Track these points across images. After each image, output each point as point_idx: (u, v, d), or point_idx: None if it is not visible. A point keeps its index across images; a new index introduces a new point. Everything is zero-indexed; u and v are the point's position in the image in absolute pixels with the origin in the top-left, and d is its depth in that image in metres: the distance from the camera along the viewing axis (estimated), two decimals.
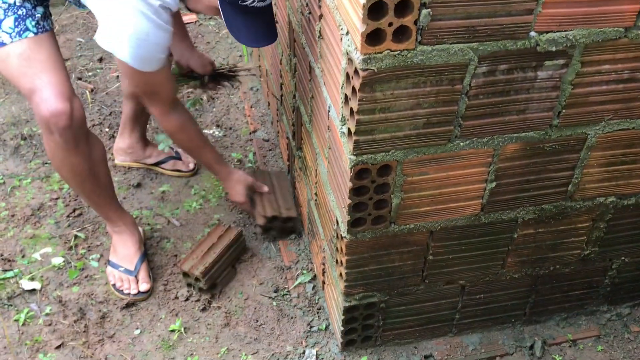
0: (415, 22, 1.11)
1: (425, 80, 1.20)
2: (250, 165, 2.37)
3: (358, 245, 1.46)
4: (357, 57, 1.14)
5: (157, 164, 2.31)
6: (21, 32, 1.57)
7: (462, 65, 1.20)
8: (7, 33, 1.56)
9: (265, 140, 2.50)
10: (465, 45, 1.17)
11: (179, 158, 2.33)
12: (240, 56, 2.96)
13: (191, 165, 2.33)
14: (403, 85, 1.19)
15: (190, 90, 2.60)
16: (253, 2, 1.54)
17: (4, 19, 1.55)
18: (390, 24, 1.10)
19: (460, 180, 1.40)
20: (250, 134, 2.53)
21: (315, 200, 1.78)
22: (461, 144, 1.33)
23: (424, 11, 1.10)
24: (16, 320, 1.79)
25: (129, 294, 1.87)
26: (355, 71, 1.18)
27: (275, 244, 2.06)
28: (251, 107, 2.67)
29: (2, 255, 1.97)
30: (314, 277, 1.94)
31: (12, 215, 2.10)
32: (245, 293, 1.91)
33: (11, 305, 1.83)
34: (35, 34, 1.59)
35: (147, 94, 1.73)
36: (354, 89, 1.21)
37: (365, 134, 1.25)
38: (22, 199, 2.17)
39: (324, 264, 1.77)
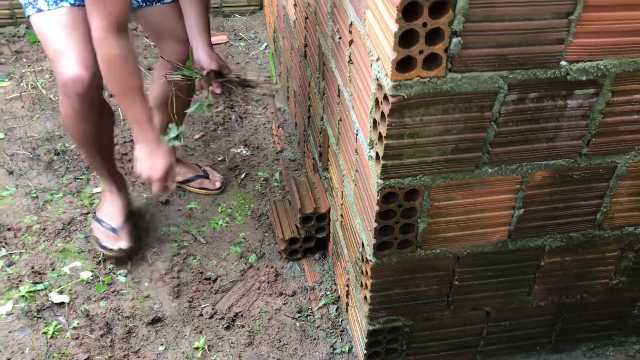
0: (446, 50, 1.13)
1: (455, 107, 1.21)
2: (276, 184, 2.40)
3: (383, 269, 1.47)
4: (387, 83, 1.16)
5: (184, 182, 2.35)
6: (57, 2, 1.69)
7: (492, 92, 1.21)
8: (46, 1, 1.69)
9: (292, 160, 2.52)
10: (495, 73, 1.18)
11: (206, 177, 2.37)
12: (269, 77, 3.00)
13: (218, 184, 2.36)
14: (432, 111, 1.21)
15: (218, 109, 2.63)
16: None
17: None
18: (420, 52, 1.12)
19: (487, 206, 1.40)
20: (277, 153, 2.56)
21: (341, 221, 1.79)
22: (489, 170, 1.33)
23: (455, 40, 1.12)
24: (45, 333, 1.82)
25: (111, 249, 2.00)
26: (385, 97, 1.19)
27: (300, 263, 2.07)
28: (279, 127, 2.70)
29: (33, 268, 2.01)
30: (338, 299, 1.94)
31: (44, 229, 2.14)
32: (268, 312, 1.92)
33: (40, 317, 1.87)
34: (72, 5, 1.70)
35: (93, 3, 1.53)
36: (383, 114, 1.22)
37: (393, 158, 1.26)
38: (54, 213, 2.22)
39: (348, 286, 1.78)
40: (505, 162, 1.33)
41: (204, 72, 1.91)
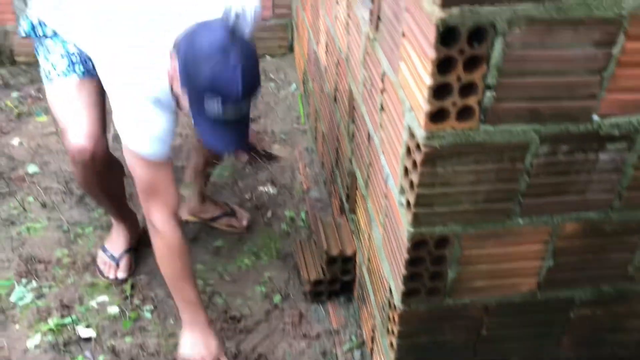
0: (479, 103, 1.15)
1: (487, 158, 1.23)
2: (302, 224, 2.41)
3: (411, 316, 1.46)
4: (420, 133, 1.18)
5: (212, 220, 2.38)
6: (67, 73, 1.81)
7: (524, 145, 1.22)
8: (57, 73, 1.82)
9: (318, 200, 2.54)
10: (528, 127, 1.20)
11: (233, 215, 2.39)
12: (298, 117, 3.05)
13: (244, 222, 2.39)
14: (464, 162, 1.22)
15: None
16: (213, 104, 1.49)
17: (59, 61, 1.82)
18: (454, 104, 1.14)
19: (517, 256, 1.40)
20: (303, 192, 2.58)
21: (368, 265, 1.79)
22: (520, 221, 1.33)
23: (488, 93, 1.14)
24: None
25: (108, 277, 2.11)
26: (417, 146, 1.21)
27: (325, 306, 2.07)
28: (305, 166, 2.73)
29: (61, 301, 2.04)
30: (363, 344, 1.93)
31: (74, 263, 2.18)
32: (292, 355, 1.91)
33: (67, 351, 1.88)
34: (80, 77, 1.82)
35: (149, 192, 1.67)
36: (414, 162, 1.24)
37: (424, 206, 1.27)
38: (84, 247, 2.25)
39: (373, 331, 1.77)
40: (536, 213, 1.33)
41: None
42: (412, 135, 1.23)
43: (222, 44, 1.45)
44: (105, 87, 1.67)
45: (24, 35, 1.86)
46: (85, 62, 1.83)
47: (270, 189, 2.60)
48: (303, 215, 2.45)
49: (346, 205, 2.08)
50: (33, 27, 1.83)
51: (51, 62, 1.82)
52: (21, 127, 2.88)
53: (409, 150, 1.27)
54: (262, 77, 3.34)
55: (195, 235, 2.34)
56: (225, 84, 1.46)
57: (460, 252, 1.36)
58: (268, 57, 3.55)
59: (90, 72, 1.83)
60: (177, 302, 1.77)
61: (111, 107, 1.64)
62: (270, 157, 1.95)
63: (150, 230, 1.73)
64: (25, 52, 3.33)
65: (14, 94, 3.10)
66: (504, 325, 1.53)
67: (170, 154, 1.69)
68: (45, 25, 1.82)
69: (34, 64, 3.34)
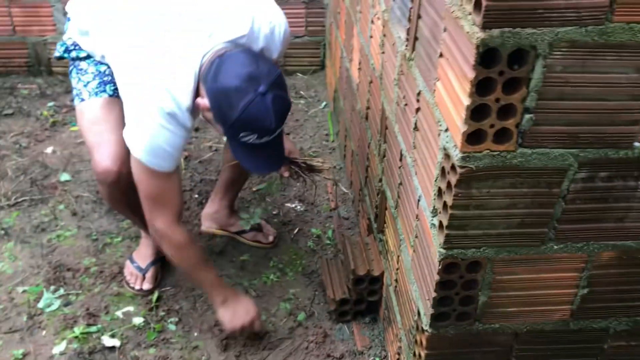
0: (517, 126, 1.13)
1: (523, 182, 1.21)
2: (328, 242, 2.40)
3: (440, 340, 1.44)
4: (456, 154, 1.17)
5: (239, 233, 2.38)
6: (98, 92, 1.86)
7: (562, 170, 1.20)
8: (88, 92, 1.87)
9: (345, 219, 2.53)
10: (566, 151, 1.18)
11: (259, 230, 2.39)
12: (327, 135, 3.06)
13: (271, 238, 2.38)
14: (500, 184, 1.20)
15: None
16: (249, 138, 1.57)
17: (91, 81, 1.87)
18: (492, 126, 1.13)
19: (551, 283, 1.37)
20: (330, 210, 2.57)
21: (395, 286, 1.77)
22: (555, 247, 1.31)
23: (527, 116, 1.12)
24: None
25: (133, 287, 2.12)
26: (453, 167, 1.20)
27: (349, 326, 2.05)
28: (334, 184, 2.72)
29: (88, 309, 2.05)
30: None
31: (101, 272, 2.20)
32: None
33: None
34: (110, 96, 1.86)
35: (154, 201, 1.74)
36: (449, 183, 1.22)
37: (457, 228, 1.25)
38: (112, 256, 2.27)
39: (399, 354, 1.74)
40: (571, 239, 1.30)
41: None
42: (447, 156, 1.22)
43: (250, 76, 1.50)
44: (122, 98, 1.71)
45: (58, 56, 1.93)
46: (115, 82, 1.86)
47: (298, 206, 2.59)
48: (330, 233, 2.44)
49: (374, 225, 2.07)
50: (67, 50, 1.90)
51: (83, 81, 1.88)
52: (55, 136, 2.93)
53: (443, 171, 1.25)
54: (292, 94, 3.36)
55: (221, 249, 2.34)
56: (259, 122, 1.53)
57: (492, 277, 1.34)
58: (299, 75, 3.57)
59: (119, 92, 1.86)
60: (203, 289, 1.94)
61: (127, 113, 1.68)
62: (312, 170, 1.99)
63: (153, 235, 1.84)
64: (62, 63, 3.40)
65: (50, 104, 3.17)
66: (534, 353, 1.49)
67: (178, 164, 1.74)
68: (79, 48, 1.88)
69: (69, 75, 3.41)
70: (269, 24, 1.74)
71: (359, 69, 2.29)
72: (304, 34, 3.45)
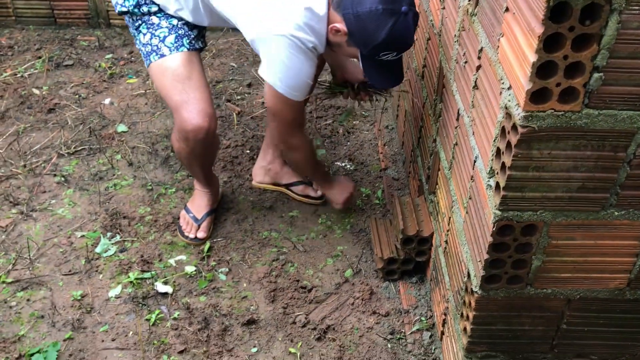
0: (585, 85, 1.08)
1: (587, 144, 1.16)
2: (377, 202, 2.40)
3: (489, 303, 1.42)
4: (518, 113, 1.13)
5: (289, 185, 2.40)
6: (178, 47, 1.88)
7: (629, 132, 1.15)
8: (167, 47, 1.88)
9: (395, 179, 2.51)
10: (635, 113, 1.12)
11: (309, 184, 2.40)
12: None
13: (320, 192, 2.39)
14: (562, 146, 1.16)
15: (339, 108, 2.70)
16: (387, 56, 1.71)
17: (167, 36, 1.88)
18: (558, 85, 1.08)
19: (608, 250, 1.33)
20: (380, 171, 2.56)
21: (445, 248, 1.76)
22: (615, 213, 1.26)
23: (596, 75, 1.07)
24: (147, 320, 1.92)
25: (187, 236, 2.18)
26: (514, 127, 1.16)
27: (396, 285, 2.05)
28: (384, 144, 2.70)
29: (142, 256, 2.12)
30: (433, 326, 1.91)
31: (155, 221, 2.26)
32: (360, 330, 1.92)
33: (145, 304, 1.96)
34: (188, 49, 1.89)
35: (290, 124, 1.90)
36: (509, 143, 1.19)
37: (514, 190, 1.22)
38: (166, 206, 2.33)
39: (445, 315, 1.74)
40: (633, 206, 1.26)
41: (355, 85, 2.09)
42: (508, 115, 1.19)
43: None
44: (252, 35, 1.76)
45: (124, 10, 1.90)
46: (189, 34, 1.91)
47: (348, 165, 2.59)
48: (379, 193, 2.43)
49: (426, 186, 2.05)
50: (137, 4, 1.88)
51: (159, 37, 1.88)
52: (113, 87, 2.99)
53: (503, 131, 1.22)
54: None
55: (271, 204, 2.37)
56: (403, 40, 1.68)
57: (547, 241, 1.31)
58: None
59: (194, 45, 1.92)
60: (314, 177, 2.24)
61: (260, 53, 1.77)
62: (383, 91, 2.11)
63: (284, 151, 2.05)
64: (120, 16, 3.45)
65: (108, 56, 3.23)
66: (586, 321, 1.46)
67: (310, 90, 1.85)
68: (150, 1, 1.87)
69: (128, 28, 3.45)
70: None
71: (417, 26, 2.22)
72: None
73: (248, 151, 2.61)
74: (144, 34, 1.90)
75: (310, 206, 2.37)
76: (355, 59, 1.89)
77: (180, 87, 1.87)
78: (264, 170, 2.38)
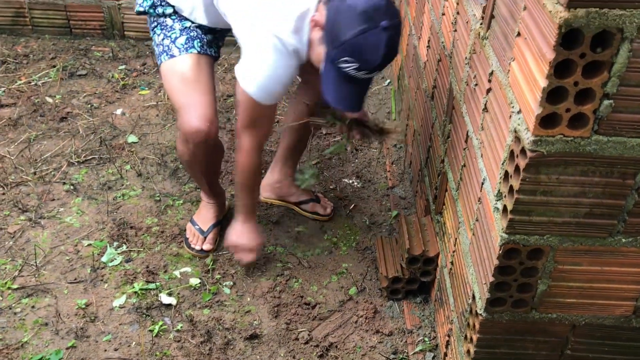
0: (595, 112, 1.09)
1: (595, 170, 1.17)
2: (384, 221, 2.40)
3: (493, 325, 1.42)
4: (527, 137, 1.14)
5: (297, 204, 2.40)
6: (188, 48, 1.90)
7: (637, 160, 1.15)
8: (178, 48, 1.90)
9: (402, 198, 2.51)
10: None
11: (318, 201, 2.41)
12: (389, 113, 3.03)
13: (328, 210, 2.40)
14: (570, 171, 1.16)
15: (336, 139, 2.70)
16: (349, 67, 1.58)
17: (179, 37, 1.91)
18: (567, 110, 1.09)
19: (615, 277, 1.32)
20: (387, 189, 2.56)
21: (450, 269, 1.76)
22: (623, 240, 1.26)
23: (606, 102, 1.08)
24: (150, 331, 1.92)
25: (193, 248, 2.18)
26: (522, 150, 1.17)
27: (400, 304, 2.05)
28: (392, 163, 2.71)
29: (147, 267, 2.13)
30: (436, 347, 1.90)
31: (162, 232, 2.27)
32: (363, 348, 1.91)
33: (148, 315, 1.97)
34: (199, 52, 1.90)
35: (250, 121, 1.83)
36: (517, 167, 1.19)
37: (521, 214, 1.22)
38: (173, 217, 2.34)
39: (449, 336, 1.73)
40: None
41: (347, 120, 1.99)
42: (517, 138, 1.19)
43: (377, 7, 1.50)
44: (239, 35, 1.76)
45: (142, 10, 1.96)
46: (202, 38, 1.93)
47: (355, 182, 2.60)
48: (394, 213, 2.43)
49: (432, 206, 2.05)
50: (153, 5, 1.93)
51: (170, 37, 1.91)
52: (125, 98, 3.02)
53: (512, 154, 1.22)
54: None
55: (278, 219, 2.38)
56: (367, 53, 1.54)
57: (553, 265, 1.31)
58: None
59: (206, 49, 1.93)
60: (239, 204, 2.04)
61: (244, 50, 1.74)
62: (382, 132, 2.00)
63: (237, 147, 1.93)
64: (134, 28, 3.49)
65: (121, 67, 3.26)
66: (591, 348, 1.46)
67: (281, 97, 1.81)
68: (166, 3, 1.91)
69: (141, 40, 3.50)
70: None
71: (428, 47, 2.25)
72: None
73: None
74: (158, 35, 1.95)
75: (316, 222, 2.38)
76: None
77: (185, 89, 1.89)
78: (271, 187, 2.39)
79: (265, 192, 2.41)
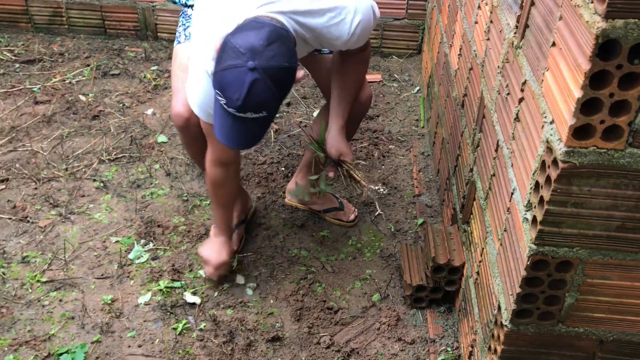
0: (630, 124, 1.08)
1: (628, 184, 1.15)
2: (409, 229, 2.39)
3: (518, 337, 1.40)
4: (560, 148, 1.12)
5: (321, 212, 2.41)
6: (189, 36, 2.00)
7: None
8: (185, 35, 2.05)
9: (428, 206, 2.50)
10: None
11: (341, 209, 2.41)
12: (417, 120, 3.02)
13: (351, 217, 2.40)
14: (603, 184, 1.15)
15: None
16: (220, 99, 1.50)
17: (189, 27, 2.04)
18: (602, 122, 1.08)
19: None
20: (414, 197, 2.55)
21: (476, 279, 1.74)
22: None
23: None
24: (174, 329, 1.94)
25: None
26: (554, 161, 1.15)
27: (423, 313, 2.04)
28: (419, 170, 2.70)
29: (173, 265, 2.15)
30: (459, 357, 1.88)
31: (189, 231, 2.29)
32: (385, 355, 1.90)
33: (173, 313, 1.99)
34: None
35: (207, 134, 1.84)
36: (548, 178, 1.18)
37: (551, 225, 1.21)
38: (199, 217, 2.36)
39: (472, 347, 1.71)
40: None
41: (325, 155, 2.00)
42: (549, 149, 1.18)
43: (252, 48, 1.44)
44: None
45: (174, 0, 2.18)
46: None
47: (382, 189, 2.59)
48: (420, 221, 2.42)
49: (459, 215, 2.03)
50: None
51: (184, 25, 2.07)
52: (156, 98, 3.06)
53: (543, 165, 1.21)
54: (386, 77, 3.34)
55: (303, 222, 2.38)
56: (228, 90, 1.47)
57: (582, 279, 1.29)
58: (394, 57, 3.54)
59: None
60: (215, 220, 2.05)
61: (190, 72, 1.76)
62: (353, 180, 1.98)
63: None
64: (167, 29, 3.54)
65: (153, 67, 3.31)
66: None
67: None
68: None
69: (174, 41, 3.54)
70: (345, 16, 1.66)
71: (459, 55, 2.24)
72: (403, 16, 3.41)
73: (283, 169, 2.64)
74: (179, 23, 2.11)
75: (341, 227, 2.38)
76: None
77: (180, 75, 1.98)
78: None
79: (290, 196, 2.42)
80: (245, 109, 1.49)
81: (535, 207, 1.24)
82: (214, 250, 2.04)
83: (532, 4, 1.37)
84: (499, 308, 1.45)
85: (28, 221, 2.30)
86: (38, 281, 2.07)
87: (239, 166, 2.01)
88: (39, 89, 3.07)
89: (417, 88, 3.27)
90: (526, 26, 1.41)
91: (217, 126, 1.58)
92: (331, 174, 1.99)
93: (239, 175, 2.04)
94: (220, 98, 1.51)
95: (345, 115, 1.97)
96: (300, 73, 1.57)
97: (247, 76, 1.44)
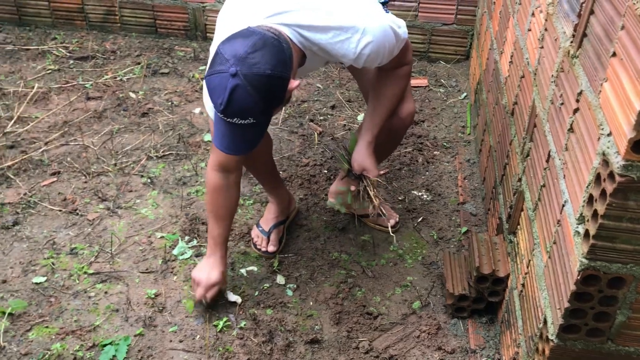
0: None
1: None
2: (452, 237, 2.36)
3: (564, 353, 1.37)
4: (617, 161, 1.09)
5: (362, 216, 2.40)
6: None
7: None
8: None
9: (473, 215, 2.47)
10: None
11: (382, 215, 2.39)
12: (463, 127, 2.99)
13: (392, 222, 2.38)
14: None
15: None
16: (215, 109, 1.54)
17: None
18: None
19: None
20: (458, 204, 2.52)
21: (521, 291, 1.71)
22: None
23: None
24: (215, 326, 1.96)
25: (259, 249, 2.22)
26: (611, 175, 1.12)
27: (464, 323, 2.01)
28: (464, 178, 2.66)
29: None
30: None
31: (231, 230, 2.31)
32: None
33: (214, 311, 2.01)
34: None
35: (212, 138, 1.80)
36: (603, 191, 1.15)
37: (605, 240, 1.18)
38: (242, 217, 2.39)
39: None
40: None
41: (349, 168, 2.01)
42: (605, 162, 1.15)
43: (236, 54, 1.48)
44: None
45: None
46: None
47: (425, 195, 2.57)
48: (463, 230, 2.39)
49: (506, 225, 2.00)
50: None
51: None
52: (203, 97, 3.11)
53: (598, 178, 1.18)
54: (432, 82, 3.31)
55: (344, 225, 2.38)
56: (213, 93, 1.52)
57: (635, 297, 1.25)
58: (442, 62, 3.51)
59: None
60: (209, 234, 1.99)
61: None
62: (366, 194, 1.99)
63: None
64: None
65: (202, 67, 3.36)
66: None
67: None
68: None
69: None
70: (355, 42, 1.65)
71: (510, 62, 2.20)
72: (452, 22, 3.37)
73: (326, 171, 2.64)
74: None
75: (382, 233, 2.37)
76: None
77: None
78: (337, 195, 2.38)
79: (332, 198, 2.42)
80: (230, 114, 1.52)
81: (588, 220, 1.21)
82: (204, 270, 1.96)
83: (592, 12, 1.34)
84: (545, 322, 1.42)
85: (77, 214, 2.37)
86: (85, 272, 2.12)
87: (239, 177, 1.97)
88: (91, 85, 3.16)
89: (464, 94, 3.23)
90: (584, 35, 1.37)
91: (214, 130, 1.65)
92: (352, 188, 1.99)
93: (239, 189, 1.98)
94: (212, 100, 1.56)
95: (375, 131, 1.96)
96: (295, 83, 1.57)
97: (229, 82, 1.48)
